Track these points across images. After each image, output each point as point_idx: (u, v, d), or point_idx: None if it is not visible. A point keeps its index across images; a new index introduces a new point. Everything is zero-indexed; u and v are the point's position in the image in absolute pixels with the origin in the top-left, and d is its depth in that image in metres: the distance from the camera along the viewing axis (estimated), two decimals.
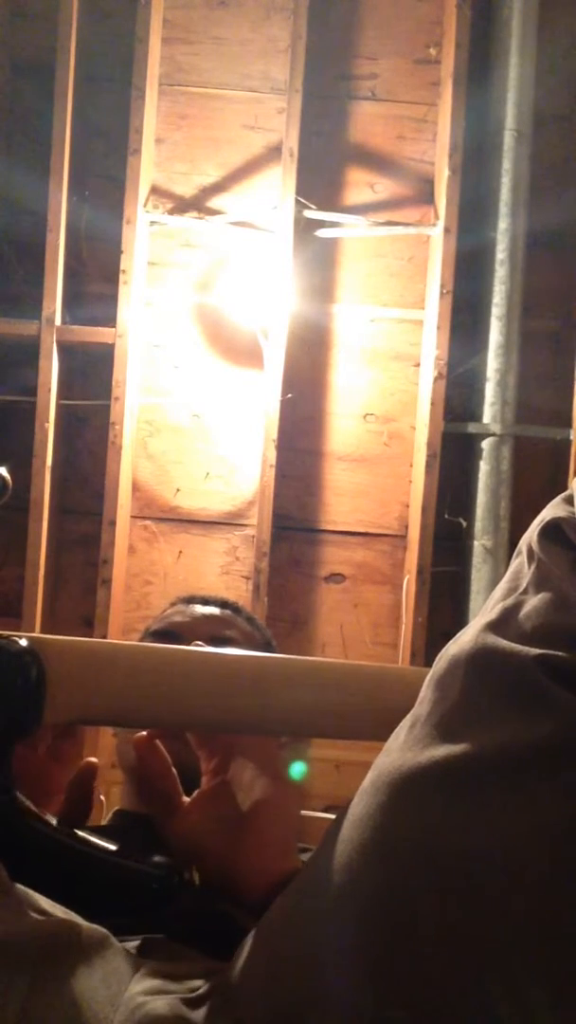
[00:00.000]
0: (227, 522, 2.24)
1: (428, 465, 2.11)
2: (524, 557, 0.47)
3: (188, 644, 0.66)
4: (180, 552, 2.24)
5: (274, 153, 2.20)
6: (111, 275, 2.14)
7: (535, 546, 0.46)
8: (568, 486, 0.47)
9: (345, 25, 2.24)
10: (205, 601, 0.97)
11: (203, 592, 1.03)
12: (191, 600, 0.97)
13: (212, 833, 0.61)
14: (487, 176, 2.16)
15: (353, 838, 0.44)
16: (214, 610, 0.95)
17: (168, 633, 0.90)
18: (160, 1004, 0.47)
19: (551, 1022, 0.39)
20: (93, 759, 0.65)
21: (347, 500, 2.25)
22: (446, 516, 2.18)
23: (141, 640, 0.92)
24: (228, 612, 0.96)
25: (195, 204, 2.23)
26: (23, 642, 0.52)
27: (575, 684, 0.41)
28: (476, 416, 2.16)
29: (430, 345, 2.14)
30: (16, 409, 2.15)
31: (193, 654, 0.61)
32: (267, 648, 0.97)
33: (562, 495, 0.47)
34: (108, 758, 2.18)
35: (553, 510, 0.46)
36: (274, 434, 2.12)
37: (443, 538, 2.15)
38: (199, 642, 0.69)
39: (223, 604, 0.97)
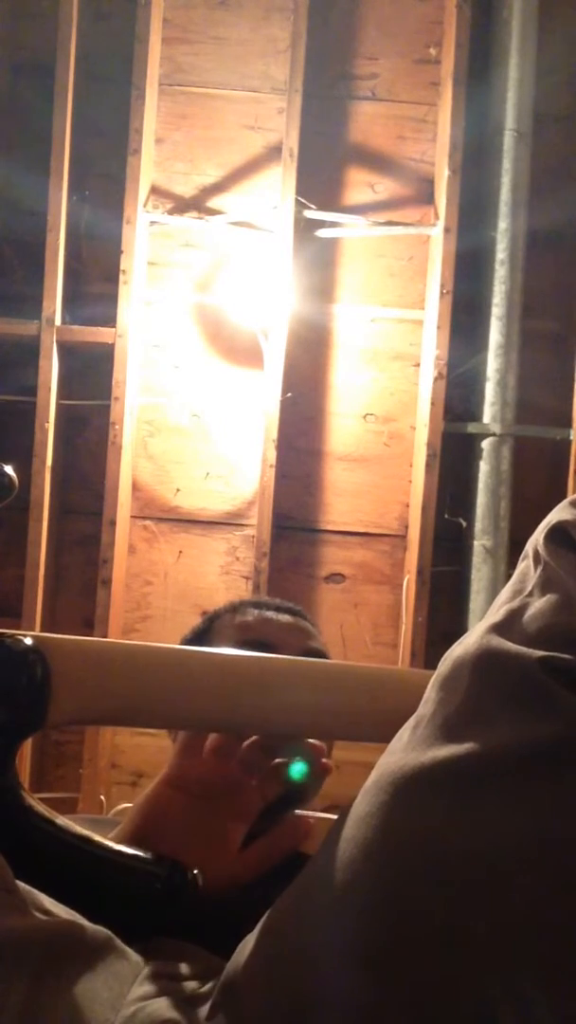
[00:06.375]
0: (227, 522, 2.24)
1: (428, 465, 2.11)
2: (530, 560, 0.47)
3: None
4: (180, 552, 2.24)
5: (274, 153, 2.20)
6: (111, 275, 2.14)
7: (541, 549, 0.46)
8: (568, 486, 0.47)
9: (345, 25, 2.24)
10: (278, 608, 0.93)
11: (266, 598, 0.99)
12: (259, 605, 0.93)
13: None
14: (487, 176, 2.16)
15: (355, 837, 0.44)
16: (290, 618, 0.92)
17: (262, 644, 0.87)
18: (162, 1005, 0.47)
19: (550, 1022, 0.39)
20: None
21: (347, 500, 2.25)
22: (446, 516, 2.18)
23: (225, 645, 0.89)
24: (304, 621, 0.93)
25: (195, 204, 2.23)
26: (28, 641, 0.52)
27: None
28: (476, 416, 2.16)
29: (430, 345, 2.14)
30: (16, 409, 2.15)
31: (197, 654, 0.61)
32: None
33: (569, 499, 0.47)
34: (108, 758, 2.18)
35: (559, 513, 0.47)
36: (274, 434, 2.12)
37: (443, 538, 2.15)
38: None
39: (293, 611, 0.94)
